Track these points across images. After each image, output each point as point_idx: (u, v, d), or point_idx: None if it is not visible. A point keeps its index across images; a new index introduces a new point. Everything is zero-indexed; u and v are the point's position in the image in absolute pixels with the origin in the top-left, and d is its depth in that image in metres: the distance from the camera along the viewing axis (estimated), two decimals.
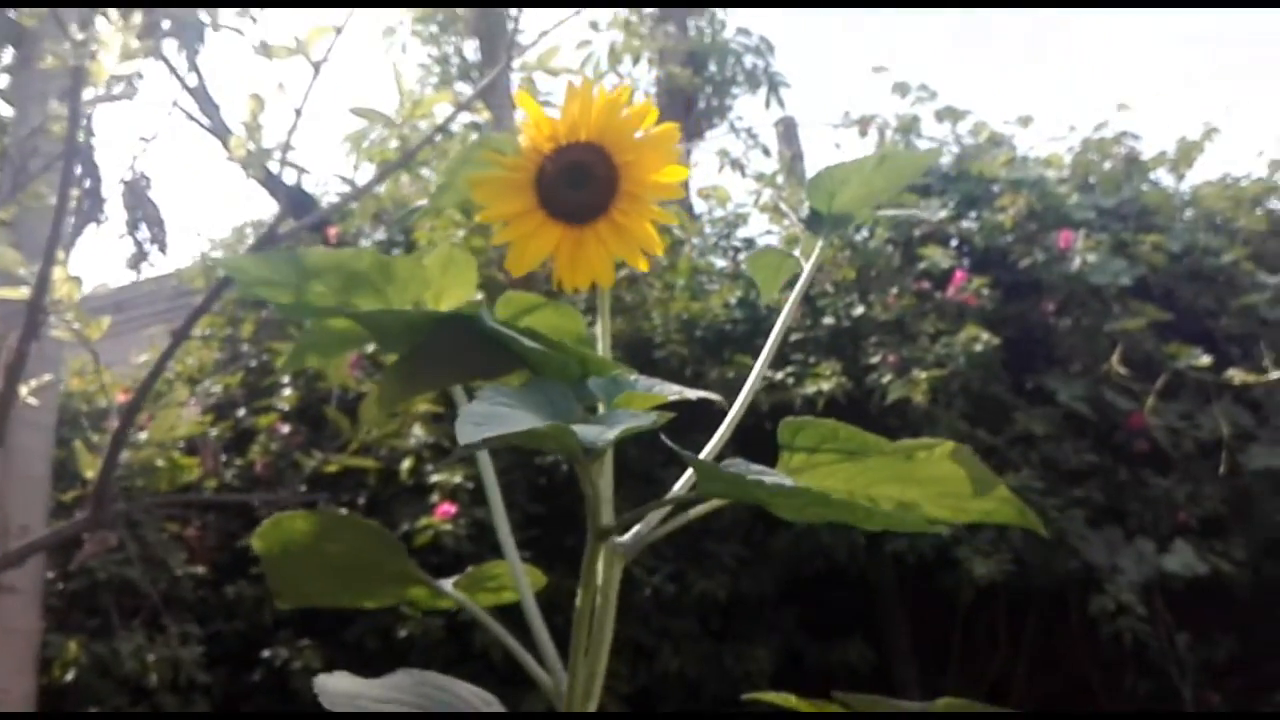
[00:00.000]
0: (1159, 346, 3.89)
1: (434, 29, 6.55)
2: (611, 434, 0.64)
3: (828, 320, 3.97)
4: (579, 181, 0.78)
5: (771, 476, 0.69)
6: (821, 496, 0.69)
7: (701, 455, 0.76)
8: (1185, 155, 4.42)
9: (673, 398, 0.75)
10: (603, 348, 0.82)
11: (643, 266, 0.81)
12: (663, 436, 0.71)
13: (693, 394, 0.75)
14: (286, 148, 2.48)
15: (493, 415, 0.63)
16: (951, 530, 3.42)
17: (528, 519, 3.52)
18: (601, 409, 0.74)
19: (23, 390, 2.47)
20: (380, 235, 4.37)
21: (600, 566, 0.75)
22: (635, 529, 0.76)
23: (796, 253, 0.97)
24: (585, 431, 0.64)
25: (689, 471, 0.78)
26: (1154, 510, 3.77)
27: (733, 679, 3.60)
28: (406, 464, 3.57)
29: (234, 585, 3.73)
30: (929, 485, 0.80)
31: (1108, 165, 4.41)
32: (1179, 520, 3.75)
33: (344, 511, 3.54)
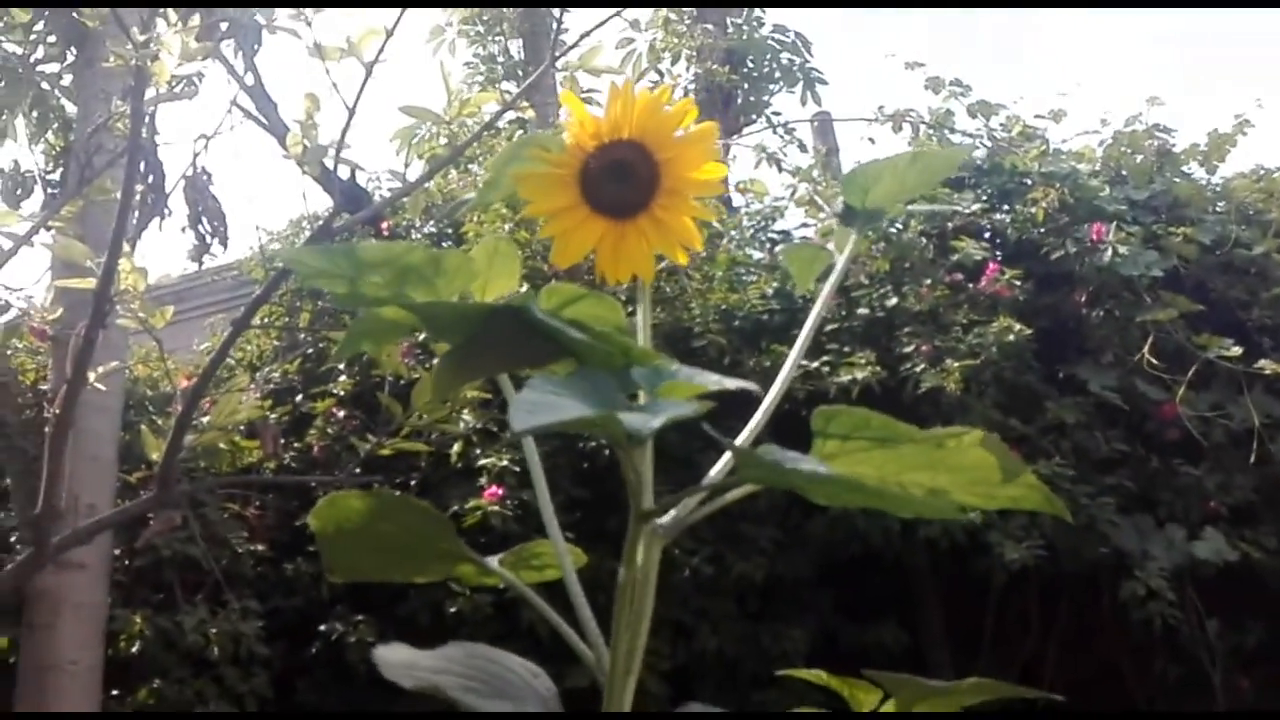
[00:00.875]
0: (1190, 337, 3.94)
1: (480, 29, 6.67)
2: (656, 422, 0.67)
3: (862, 311, 4.05)
4: (621, 178, 0.81)
5: (809, 464, 0.72)
6: (857, 483, 0.74)
7: (737, 442, 0.80)
8: (1217, 147, 4.46)
9: (713, 388, 0.77)
10: (643, 338, 0.84)
11: (682, 260, 0.86)
12: (705, 425, 0.73)
13: (732, 384, 0.76)
14: (340, 145, 2.59)
15: (543, 403, 0.66)
16: (983, 516, 3.50)
17: (571, 502, 3.64)
18: (644, 397, 0.76)
19: (90, 376, 2.59)
20: (430, 229, 4.49)
21: (641, 548, 0.78)
22: (674, 512, 0.79)
23: (830, 246, 1.03)
24: (631, 419, 0.67)
25: (725, 457, 0.81)
26: (1184, 499, 3.83)
27: (769, 659, 3.70)
28: (456, 448, 3.69)
29: (292, 563, 3.87)
30: (958, 473, 0.82)
31: (1139, 158, 4.45)
32: (1209, 509, 3.80)
33: (396, 492, 3.67)
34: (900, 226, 4.16)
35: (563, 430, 0.70)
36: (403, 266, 0.83)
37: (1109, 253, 3.96)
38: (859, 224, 0.97)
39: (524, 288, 1.12)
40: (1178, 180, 4.40)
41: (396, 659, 0.79)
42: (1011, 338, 3.75)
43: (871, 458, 0.81)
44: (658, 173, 0.82)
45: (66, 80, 3.90)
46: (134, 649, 3.58)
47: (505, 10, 6.62)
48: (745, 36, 6.79)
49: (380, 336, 0.90)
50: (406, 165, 2.82)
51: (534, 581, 0.92)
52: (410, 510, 0.89)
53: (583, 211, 0.83)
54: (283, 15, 2.99)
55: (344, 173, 3.22)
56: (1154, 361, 3.85)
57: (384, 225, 4.25)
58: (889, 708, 0.93)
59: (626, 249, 0.83)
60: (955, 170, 3.70)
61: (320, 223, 3.24)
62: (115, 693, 3.55)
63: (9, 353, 3.77)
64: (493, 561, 0.90)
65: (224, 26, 3.14)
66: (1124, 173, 4.48)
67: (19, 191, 3.68)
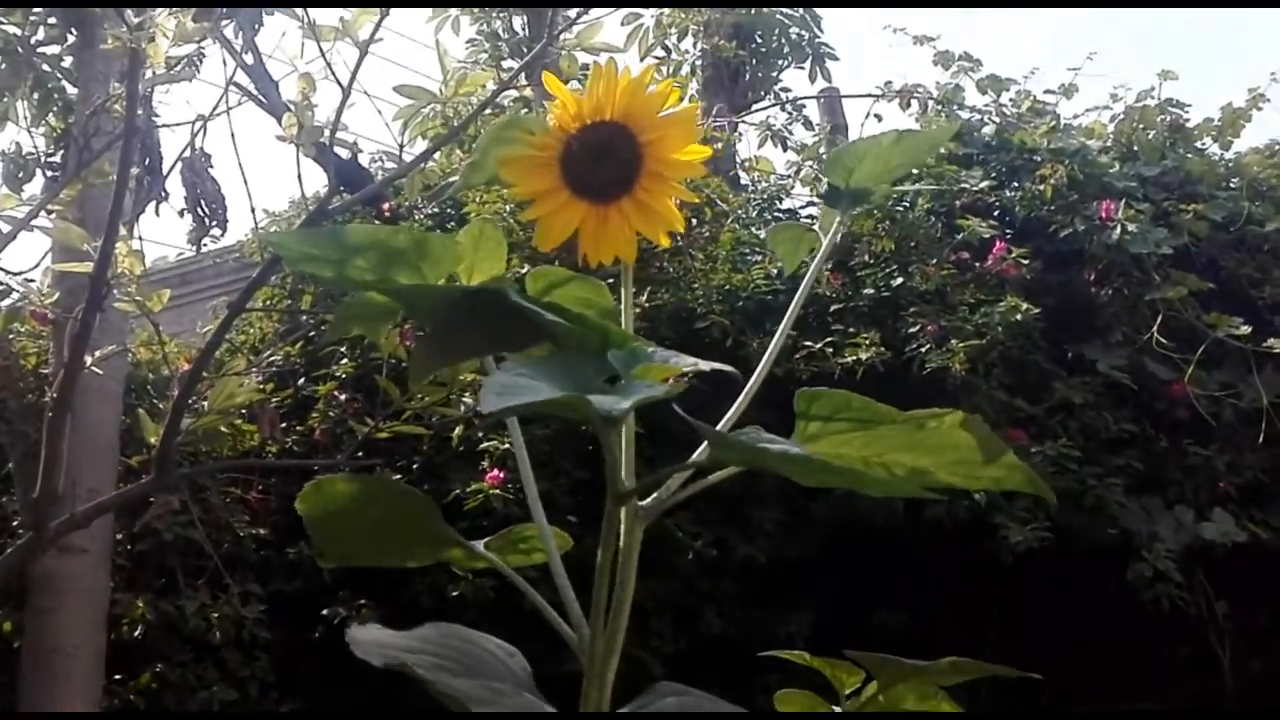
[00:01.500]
0: (1200, 316, 3.90)
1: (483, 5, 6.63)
2: (626, 404, 0.67)
3: (867, 291, 4.01)
4: (603, 160, 0.80)
5: (779, 444, 0.72)
6: (824, 464, 0.73)
7: (722, 422, 0.80)
8: (1231, 123, 4.39)
9: (688, 369, 0.76)
10: (625, 321, 0.84)
11: (664, 243, 0.84)
12: (675, 406, 0.72)
13: (706, 365, 0.76)
14: (335, 125, 2.57)
15: (513, 385, 0.66)
16: (987, 498, 3.47)
17: (574, 484, 3.62)
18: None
19: (89, 360, 2.58)
20: (433, 209, 4.46)
21: (622, 529, 0.78)
22: (656, 493, 0.79)
23: (816, 227, 1.01)
24: (601, 402, 0.67)
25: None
26: (1194, 479, 3.80)
27: (773, 641, 3.69)
28: (457, 431, 3.67)
29: (294, 547, 3.85)
30: (940, 453, 0.82)
31: (1151, 134, 4.40)
32: (1219, 489, 3.77)
33: (395, 476, 3.66)
34: (906, 205, 4.11)
35: (535, 413, 0.68)
36: (388, 250, 0.82)
37: (1118, 230, 3.92)
38: (844, 204, 0.96)
39: (525, 269, 1.09)
40: (1190, 156, 4.35)
41: (368, 638, 0.78)
42: (1019, 317, 3.71)
43: (854, 439, 0.82)
44: (640, 155, 0.81)
45: (67, 62, 3.88)
46: (136, 633, 3.58)
47: None
48: (754, 11, 6.73)
49: (369, 319, 0.89)
50: (402, 146, 2.78)
51: (522, 565, 0.91)
52: (396, 494, 0.90)
53: (564, 194, 0.82)
54: None
55: (343, 153, 3.19)
56: (1163, 340, 3.81)
57: (386, 206, 4.22)
58: (871, 688, 0.91)
59: (609, 232, 0.83)
60: (938, 149, 3.65)
61: (316, 204, 3.21)
62: (118, 676, 3.56)
63: (10, 337, 3.76)
64: (479, 545, 0.90)
65: (222, 9, 3.10)
66: (1135, 149, 4.42)
67: (20, 174, 3.66)
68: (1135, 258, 3.93)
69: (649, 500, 0.80)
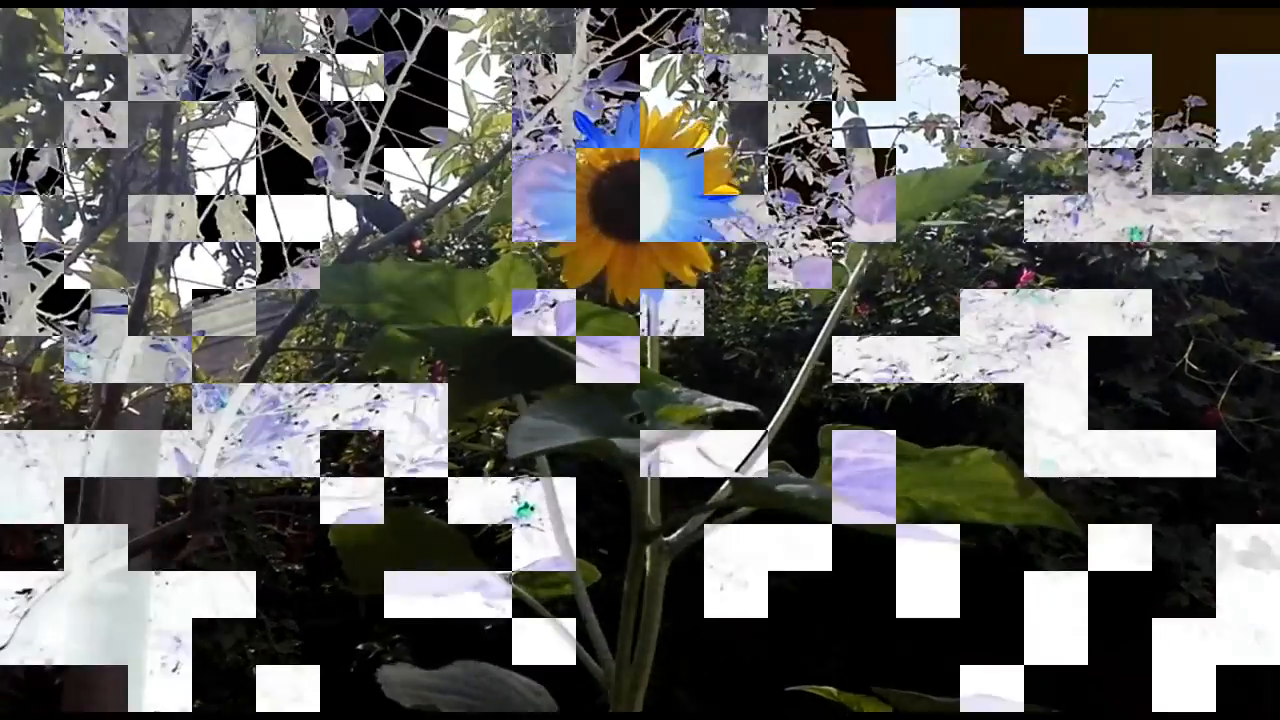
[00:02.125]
0: (1233, 342, 3.87)
1: (513, 44, 6.71)
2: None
3: (895, 321, 4.01)
4: (633, 198, 0.82)
5: (802, 486, 0.75)
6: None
7: (746, 459, 0.81)
8: (1261, 146, 4.37)
9: (712, 410, 0.79)
10: (651, 356, 0.87)
11: (691, 282, 0.85)
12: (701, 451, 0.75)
13: (730, 406, 0.79)
14: (363, 169, 2.61)
15: (541, 429, 0.69)
16: (1018, 527, 3.46)
17: (603, 517, 3.62)
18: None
19: (125, 400, 2.62)
20: (464, 245, 4.51)
21: (647, 564, 0.81)
22: (682, 529, 0.82)
23: (843, 260, 1.03)
24: (627, 445, 0.70)
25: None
26: (1230, 507, 3.76)
27: (803, 672, 3.67)
28: (488, 466, 3.70)
29: (329, 582, 3.89)
30: (967, 489, 0.83)
31: (1179, 159, 4.38)
32: (1256, 517, 3.73)
33: (427, 511, 3.69)
34: (934, 235, 4.12)
35: (564, 454, 0.70)
36: (420, 286, 0.85)
37: (1147, 257, 3.91)
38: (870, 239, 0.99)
39: None
40: (1219, 181, 4.33)
41: (397, 678, 0.82)
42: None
43: None
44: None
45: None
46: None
47: (538, 25, 6.65)
48: (780, 44, 6.76)
49: (399, 355, 0.93)
50: (430, 186, 2.83)
51: (550, 597, 0.94)
52: (424, 526, 0.93)
53: (593, 232, 0.84)
54: (311, 42, 3.01)
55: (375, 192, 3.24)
56: (1195, 367, 3.79)
57: (417, 244, 4.27)
58: None
59: (638, 270, 0.85)
60: (967, 188, 3.66)
61: (348, 243, 3.26)
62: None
63: (51, 377, 3.82)
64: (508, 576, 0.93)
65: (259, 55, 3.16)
66: (1163, 174, 4.41)
67: (60, 219, 3.73)
68: (1165, 284, 3.91)
69: (674, 536, 0.82)
